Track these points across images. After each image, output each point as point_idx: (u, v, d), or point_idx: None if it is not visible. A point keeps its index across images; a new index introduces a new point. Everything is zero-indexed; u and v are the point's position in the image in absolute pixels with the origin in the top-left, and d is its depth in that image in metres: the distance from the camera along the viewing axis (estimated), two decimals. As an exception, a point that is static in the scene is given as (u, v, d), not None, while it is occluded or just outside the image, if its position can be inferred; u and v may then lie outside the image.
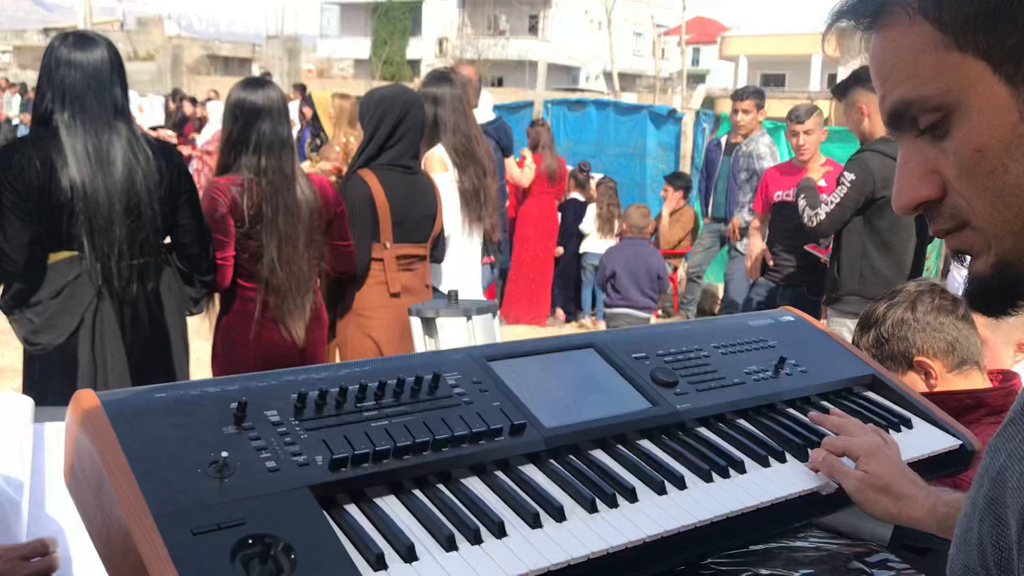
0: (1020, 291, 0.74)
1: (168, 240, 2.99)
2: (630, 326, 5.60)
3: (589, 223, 7.84)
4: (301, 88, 14.00)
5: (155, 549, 0.85)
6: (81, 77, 2.72)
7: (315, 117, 10.52)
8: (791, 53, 36.86)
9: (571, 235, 7.90)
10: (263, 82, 3.26)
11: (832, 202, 4.08)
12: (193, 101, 14.63)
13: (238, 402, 1.01)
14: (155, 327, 2.88)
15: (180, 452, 0.95)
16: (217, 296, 3.23)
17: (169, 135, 11.08)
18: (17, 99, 19.33)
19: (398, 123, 3.44)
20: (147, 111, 14.63)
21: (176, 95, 15.34)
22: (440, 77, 3.94)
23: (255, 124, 3.08)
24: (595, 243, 7.77)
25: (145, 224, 2.80)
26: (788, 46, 36.90)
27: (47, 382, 2.71)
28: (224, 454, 0.95)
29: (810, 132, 4.95)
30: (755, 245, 5.29)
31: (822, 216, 4.11)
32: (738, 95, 6.48)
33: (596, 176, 8.53)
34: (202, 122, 13.09)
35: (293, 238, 3.10)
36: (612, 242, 7.40)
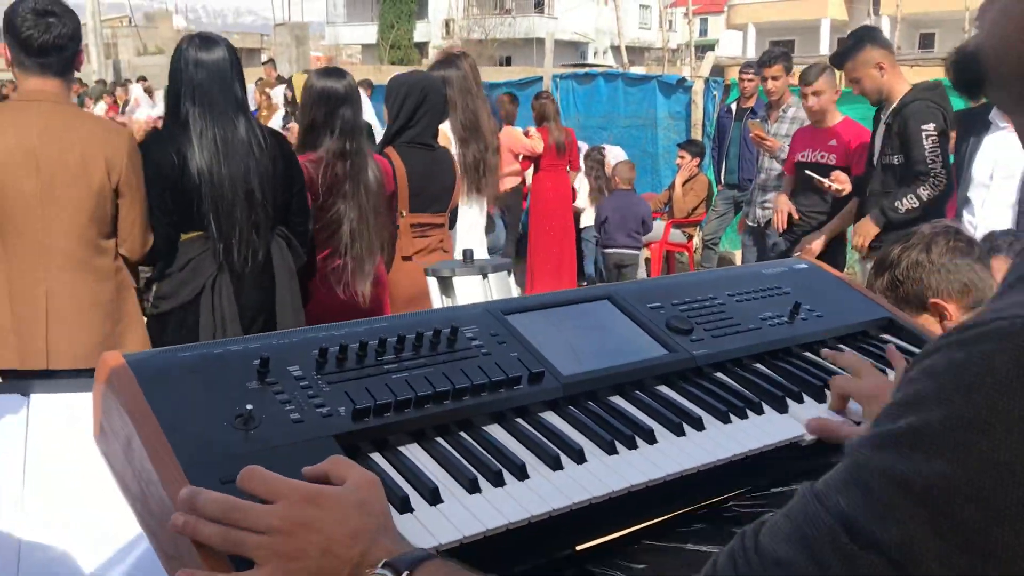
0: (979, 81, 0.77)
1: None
2: (621, 261, 7.13)
3: (583, 198, 7.90)
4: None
5: (186, 498, 0.87)
6: (207, 76, 3.04)
7: (295, 99, 10.96)
8: (799, 19, 36.56)
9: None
10: (342, 72, 3.61)
11: (937, 158, 4.06)
12: None
13: (260, 358, 1.03)
14: (267, 295, 3.23)
15: (205, 407, 0.97)
16: None
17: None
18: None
19: (417, 107, 3.81)
20: (159, 104, 14.82)
21: None
22: (447, 61, 4.29)
23: (338, 110, 3.44)
24: (591, 216, 7.85)
25: (261, 207, 3.12)
26: (796, 12, 36.60)
27: (170, 341, 2.97)
28: (249, 407, 0.97)
29: (819, 93, 4.94)
30: (781, 200, 5.24)
31: (941, 174, 4.06)
32: (764, 61, 6.31)
33: (611, 149, 8.52)
34: None
35: (367, 212, 3.47)
36: None
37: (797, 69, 6.23)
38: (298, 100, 10.71)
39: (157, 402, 0.96)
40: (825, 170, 4.84)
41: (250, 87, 15.02)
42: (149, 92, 16.41)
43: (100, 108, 17.55)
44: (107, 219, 2.97)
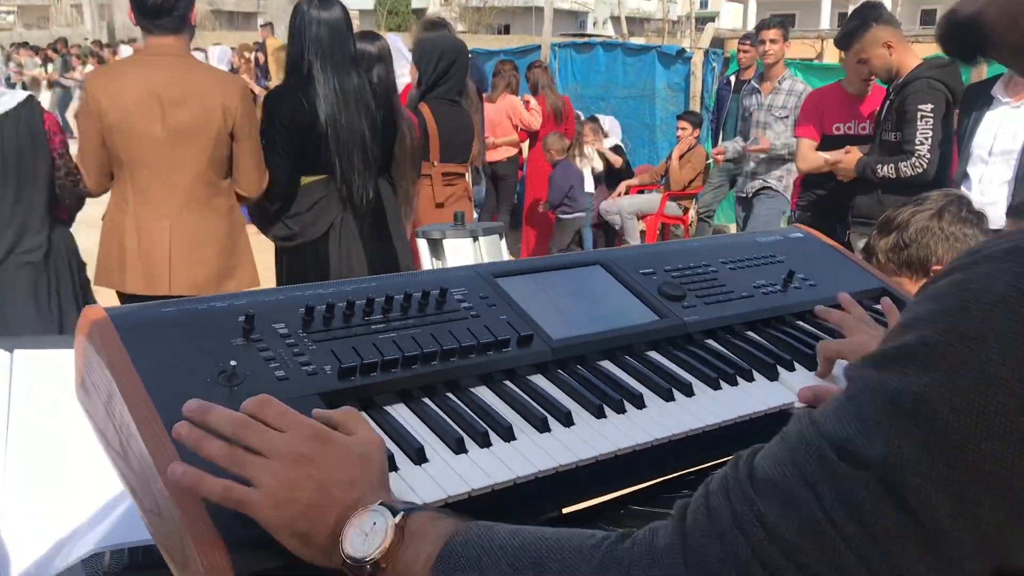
0: (980, 45, 0.76)
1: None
2: (581, 226, 7.53)
3: None
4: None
5: (166, 453, 0.86)
6: (328, 33, 3.38)
7: (266, 62, 11.24)
8: (801, -8, 36.28)
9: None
10: (376, 35, 3.96)
11: (926, 140, 4.02)
12: None
13: (245, 315, 1.02)
14: (383, 231, 3.57)
15: (188, 363, 0.96)
16: None
17: None
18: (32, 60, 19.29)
19: (449, 67, 4.22)
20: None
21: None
22: (437, 24, 4.60)
23: (373, 69, 3.71)
24: None
25: (371, 152, 3.46)
26: (798, -15, 36.32)
27: (299, 274, 3.49)
28: (233, 363, 0.95)
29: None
30: (816, 156, 4.77)
31: (925, 156, 4.03)
32: (763, 24, 6.21)
33: (606, 120, 8.47)
34: None
35: (403, 162, 3.76)
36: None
37: (794, 43, 6.15)
38: (272, 64, 11.06)
39: (139, 357, 0.94)
40: (863, 142, 4.69)
41: (224, 50, 14.92)
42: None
43: (88, 69, 17.42)
44: (224, 161, 3.29)
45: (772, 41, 5.96)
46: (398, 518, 0.79)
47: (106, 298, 3.44)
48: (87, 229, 3.66)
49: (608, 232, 8.19)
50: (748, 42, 7.18)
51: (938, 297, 0.62)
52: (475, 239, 1.55)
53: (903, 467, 0.60)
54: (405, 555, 0.78)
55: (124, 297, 3.29)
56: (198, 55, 15.41)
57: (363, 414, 1.01)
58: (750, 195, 5.87)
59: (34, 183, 3.10)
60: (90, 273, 3.41)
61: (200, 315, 1.02)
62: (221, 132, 3.25)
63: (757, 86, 6.12)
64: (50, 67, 18.89)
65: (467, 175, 4.44)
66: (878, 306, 1.42)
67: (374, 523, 0.79)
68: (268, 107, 3.41)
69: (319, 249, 3.48)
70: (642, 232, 8.14)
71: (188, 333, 0.99)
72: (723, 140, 7.46)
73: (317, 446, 0.84)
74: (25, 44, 21.61)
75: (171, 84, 3.18)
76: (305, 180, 3.44)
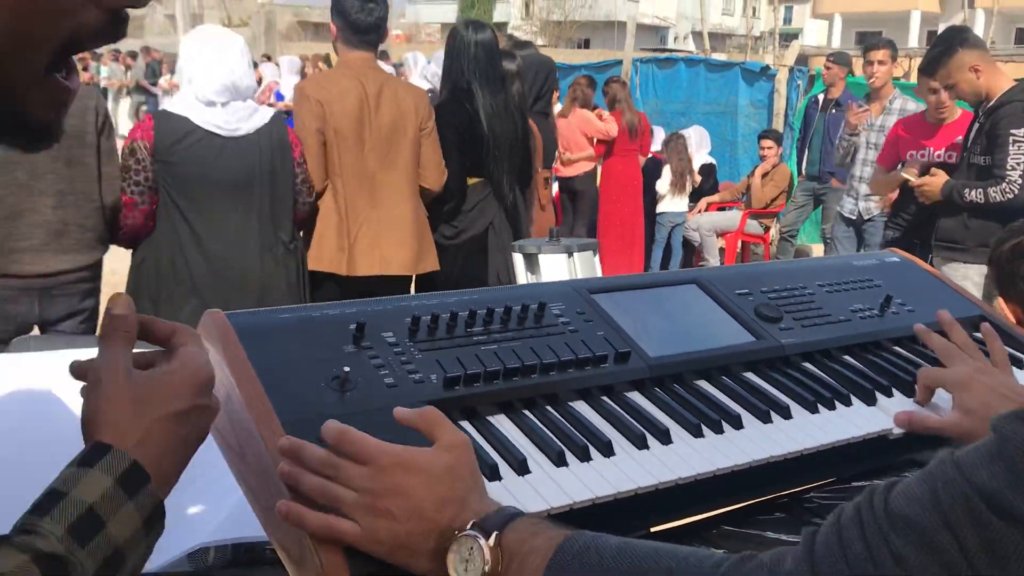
0: None
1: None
2: None
3: (664, 184, 7.84)
4: (383, 55, 14.37)
5: (284, 453, 0.90)
6: (483, 54, 3.91)
7: None
8: (888, 9, 35.57)
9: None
10: (513, 54, 4.42)
11: (1018, 165, 3.94)
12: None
13: (356, 323, 1.05)
14: (521, 228, 4.10)
15: (304, 367, 1.00)
16: None
17: None
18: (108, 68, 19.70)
19: (544, 82, 4.98)
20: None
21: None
22: (524, 44, 5.40)
23: (512, 86, 4.17)
24: (670, 203, 7.79)
25: (514, 158, 4.03)
26: (885, 2, 35.61)
27: (461, 265, 3.99)
28: (346, 369, 0.99)
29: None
30: (889, 178, 4.79)
31: (1017, 181, 3.94)
32: (871, 45, 6.09)
33: (695, 130, 8.44)
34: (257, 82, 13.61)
35: (531, 172, 4.36)
36: (685, 200, 7.86)
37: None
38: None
39: (258, 360, 0.99)
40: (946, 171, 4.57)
41: (293, 60, 14.97)
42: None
43: (163, 80, 17.57)
44: (416, 159, 3.76)
45: (880, 62, 5.87)
46: (492, 539, 0.81)
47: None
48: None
49: (687, 249, 8.14)
50: (832, 59, 7.08)
51: None
52: (569, 255, 1.58)
53: None
54: (511, 572, 0.81)
55: (339, 279, 3.67)
56: (270, 66, 15.68)
57: (466, 423, 1.04)
58: (864, 217, 5.74)
59: (287, 189, 3.46)
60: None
61: (314, 322, 1.06)
62: (415, 134, 3.71)
63: (866, 104, 5.94)
64: (128, 74, 19.28)
65: (550, 179, 5.13)
66: (978, 334, 1.40)
67: (471, 548, 0.82)
68: (441, 116, 3.83)
69: (481, 245, 3.98)
70: (721, 249, 8.07)
71: (303, 339, 1.03)
72: (808, 158, 7.36)
73: (400, 474, 0.85)
74: (118, 51, 22.24)
75: (375, 91, 3.63)
76: (468, 181, 3.94)
